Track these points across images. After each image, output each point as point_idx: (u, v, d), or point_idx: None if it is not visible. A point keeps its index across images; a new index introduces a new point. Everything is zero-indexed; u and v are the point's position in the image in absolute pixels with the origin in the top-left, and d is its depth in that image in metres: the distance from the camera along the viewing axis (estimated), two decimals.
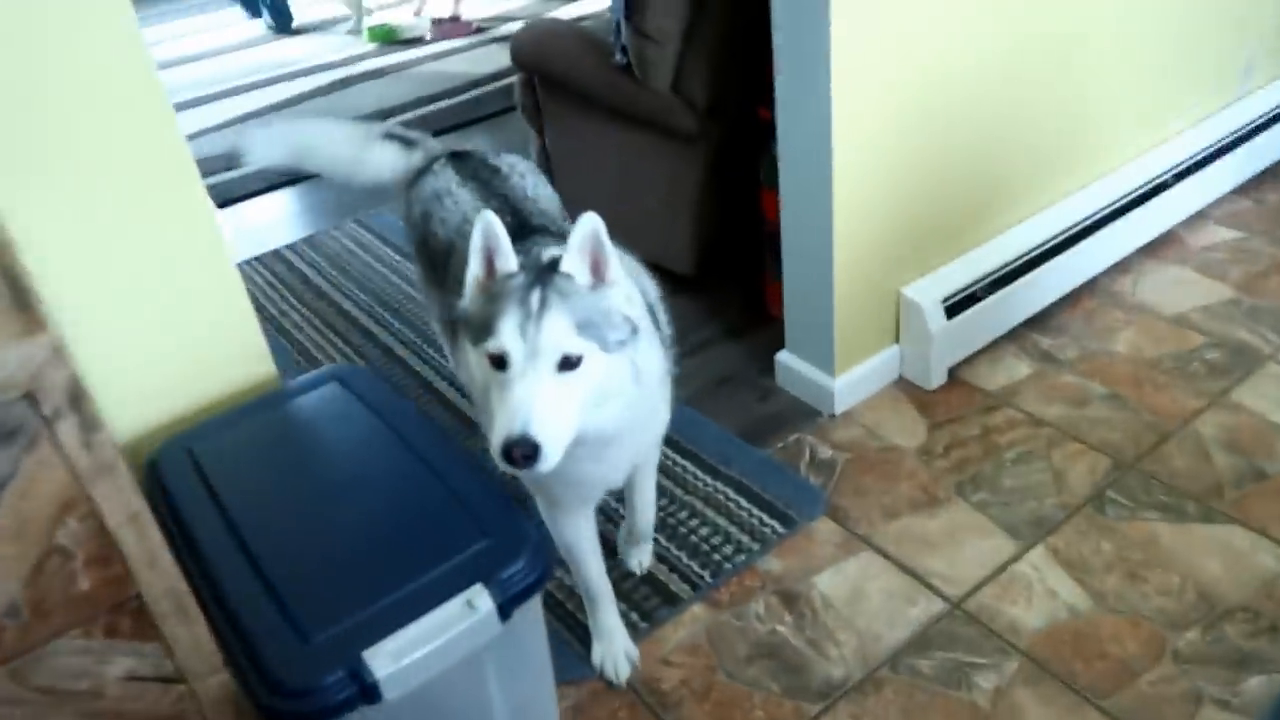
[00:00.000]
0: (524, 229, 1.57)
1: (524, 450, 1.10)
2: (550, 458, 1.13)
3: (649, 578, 1.89)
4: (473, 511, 1.13)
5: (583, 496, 1.54)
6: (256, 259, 3.24)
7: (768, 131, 2.29)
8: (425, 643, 0.98)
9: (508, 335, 1.15)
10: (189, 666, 0.92)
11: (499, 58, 4.74)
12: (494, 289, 1.22)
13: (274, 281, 3.08)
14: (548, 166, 2.95)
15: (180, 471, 1.23)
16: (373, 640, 0.97)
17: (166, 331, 1.37)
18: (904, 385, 2.32)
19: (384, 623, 0.99)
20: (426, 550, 1.08)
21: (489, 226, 1.22)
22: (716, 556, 1.91)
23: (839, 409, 2.25)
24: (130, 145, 1.30)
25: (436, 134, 4.04)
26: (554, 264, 1.22)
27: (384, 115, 4.22)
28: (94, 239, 1.30)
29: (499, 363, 1.17)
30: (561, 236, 1.45)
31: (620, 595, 1.82)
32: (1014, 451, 2.08)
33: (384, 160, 1.95)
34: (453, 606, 1.01)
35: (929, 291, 2.22)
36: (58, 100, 1.24)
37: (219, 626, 1.00)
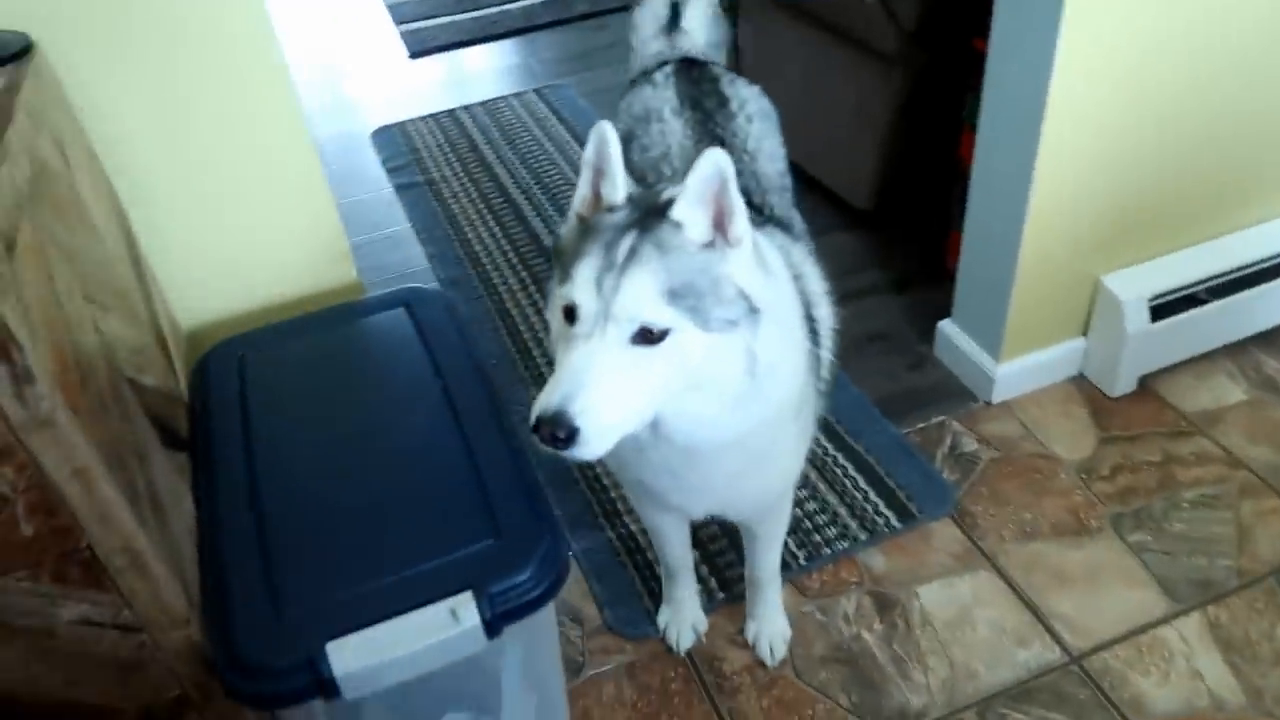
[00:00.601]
0: None
1: (556, 429, 0.89)
2: (591, 445, 0.92)
3: (736, 543, 1.73)
4: (489, 501, 1.00)
5: (659, 505, 1.34)
6: (433, 116, 3.18)
7: (980, 65, 1.96)
8: (395, 647, 0.87)
9: (581, 286, 0.93)
10: (149, 617, 0.87)
11: None
12: (591, 222, 0.99)
13: (443, 143, 3.02)
14: (738, 64, 2.69)
15: (224, 383, 1.17)
16: (343, 629, 0.88)
17: (244, 219, 1.30)
18: (1082, 385, 2.01)
19: (360, 611, 0.89)
20: (428, 536, 0.97)
21: (603, 139, 0.98)
22: (817, 538, 1.73)
23: (997, 397, 1.97)
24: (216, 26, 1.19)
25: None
26: (666, 206, 0.96)
27: None
28: (175, 113, 1.22)
29: (570, 314, 0.96)
30: (758, 209, 1.21)
31: (702, 556, 1.69)
32: (1195, 492, 1.76)
33: (645, 20, 1.71)
34: (434, 613, 0.89)
35: (1134, 285, 1.88)
36: None
37: (204, 571, 0.94)
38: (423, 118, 3.17)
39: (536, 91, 3.27)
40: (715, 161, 0.92)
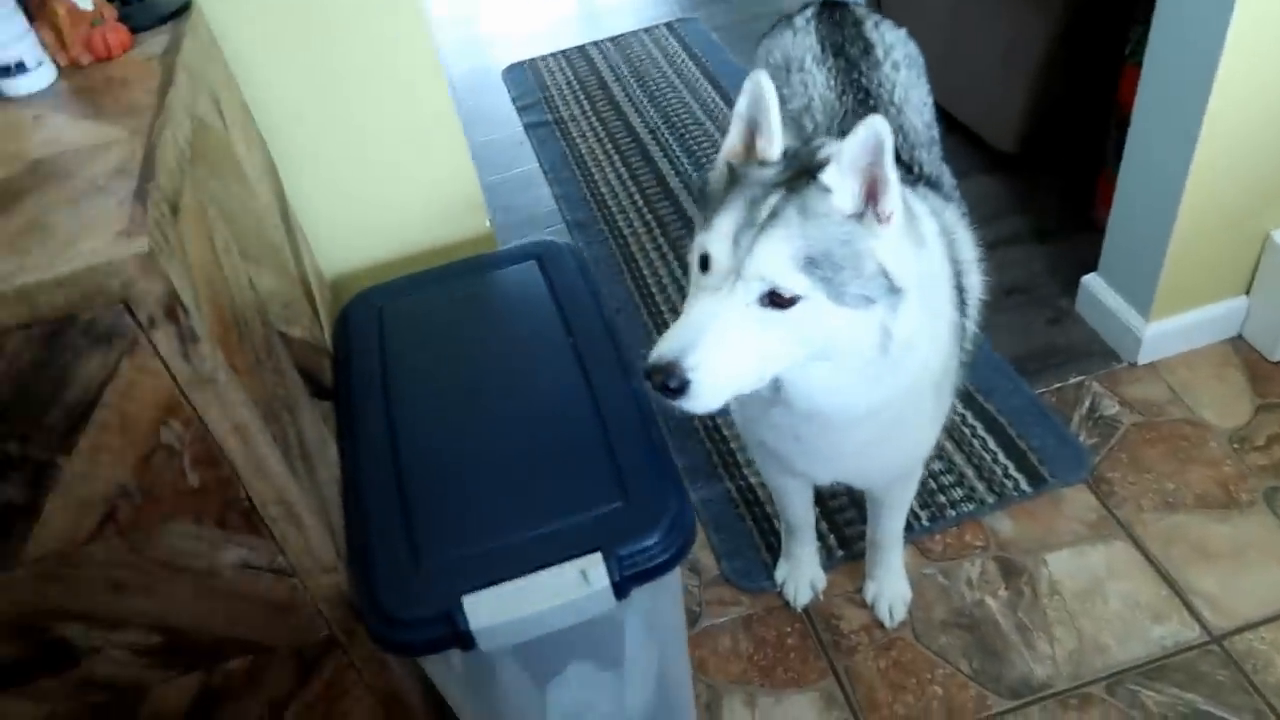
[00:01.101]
0: None
1: (668, 378, 0.88)
2: (701, 399, 0.90)
3: (857, 500, 1.72)
4: (617, 463, 1.01)
5: (781, 468, 1.33)
6: (563, 53, 3.16)
7: None
8: (529, 604, 0.91)
9: (718, 237, 0.92)
10: (300, 564, 0.93)
11: None
12: (739, 171, 0.97)
13: (572, 80, 3.01)
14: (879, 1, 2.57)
15: (364, 335, 1.21)
16: (480, 583, 0.91)
17: (384, 169, 1.33)
18: (1240, 347, 1.87)
19: (495, 566, 0.93)
20: (559, 496, 0.99)
21: (758, 91, 0.96)
22: (941, 498, 1.70)
23: (1143, 359, 1.86)
24: None
25: None
26: (819, 169, 0.92)
27: None
28: (320, 68, 1.25)
29: (704, 263, 0.94)
30: (906, 166, 1.15)
31: (823, 513, 1.68)
32: None
33: None
34: (565, 572, 0.92)
35: None
36: None
37: (349, 521, 1.00)
38: (553, 54, 3.16)
39: (667, 25, 3.21)
40: (875, 130, 0.87)
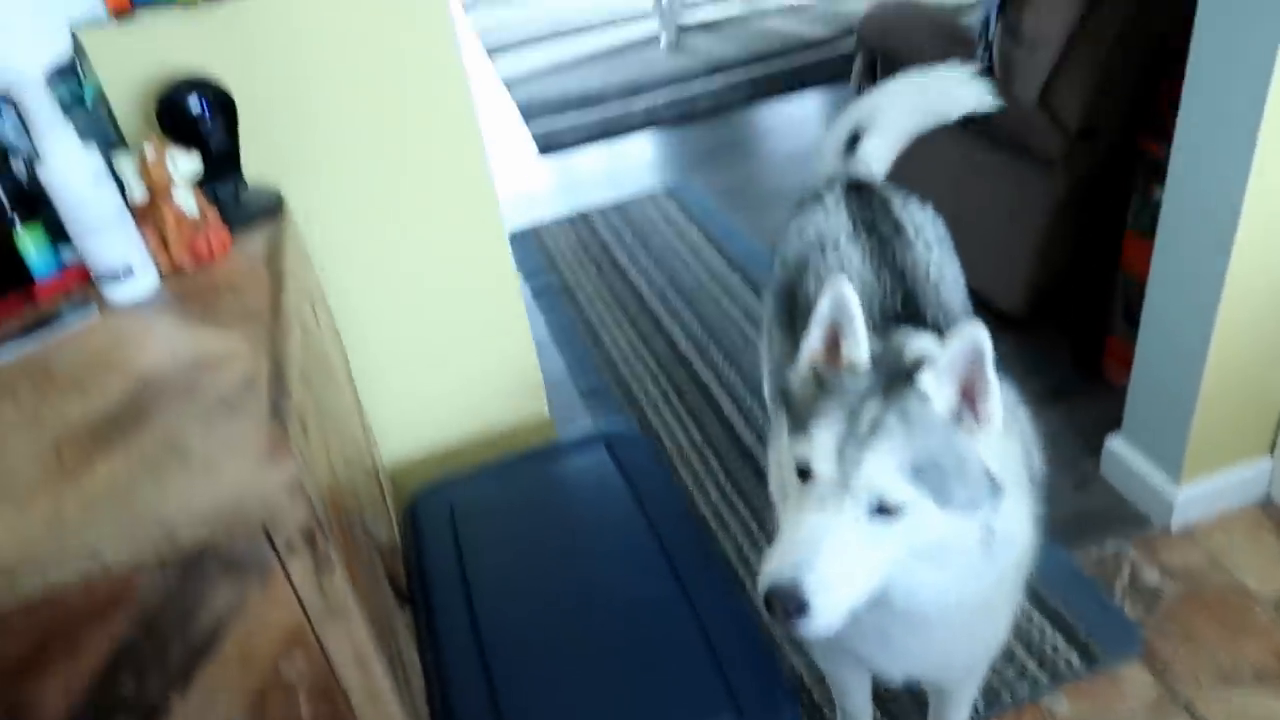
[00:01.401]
0: (912, 322, 1.26)
1: (789, 603, 0.87)
2: (823, 620, 0.89)
3: (916, 694, 1.66)
4: (721, 666, 0.97)
5: (851, 665, 1.30)
6: (566, 219, 3.24)
7: (1149, 167, 1.90)
8: None
9: (820, 449, 0.91)
10: None
11: (831, 20, 4.44)
12: (827, 377, 0.97)
13: (576, 247, 3.07)
14: None
15: (437, 534, 1.18)
16: None
17: (452, 359, 1.33)
18: (1272, 511, 1.89)
19: None
20: (663, 703, 0.94)
21: (840, 300, 0.97)
22: (994, 682, 1.64)
23: (1176, 523, 1.86)
24: (430, 150, 1.24)
25: (762, 98, 3.86)
26: (913, 369, 0.93)
27: (711, 70, 4.09)
28: (395, 257, 1.26)
29: (803, 472, 0.93)
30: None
31: (878, 702, 1.62)
32: None
33: (831, 142, 1.73)
34: None
35: None
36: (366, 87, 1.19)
37: None
38: (556, 221, 3.24)
39: (666, 191, 3.31)
40: (974, 339, 0.89)
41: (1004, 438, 0.97)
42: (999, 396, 0.91)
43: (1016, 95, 2.00)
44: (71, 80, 1.03)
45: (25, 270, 1.04)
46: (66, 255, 1.05)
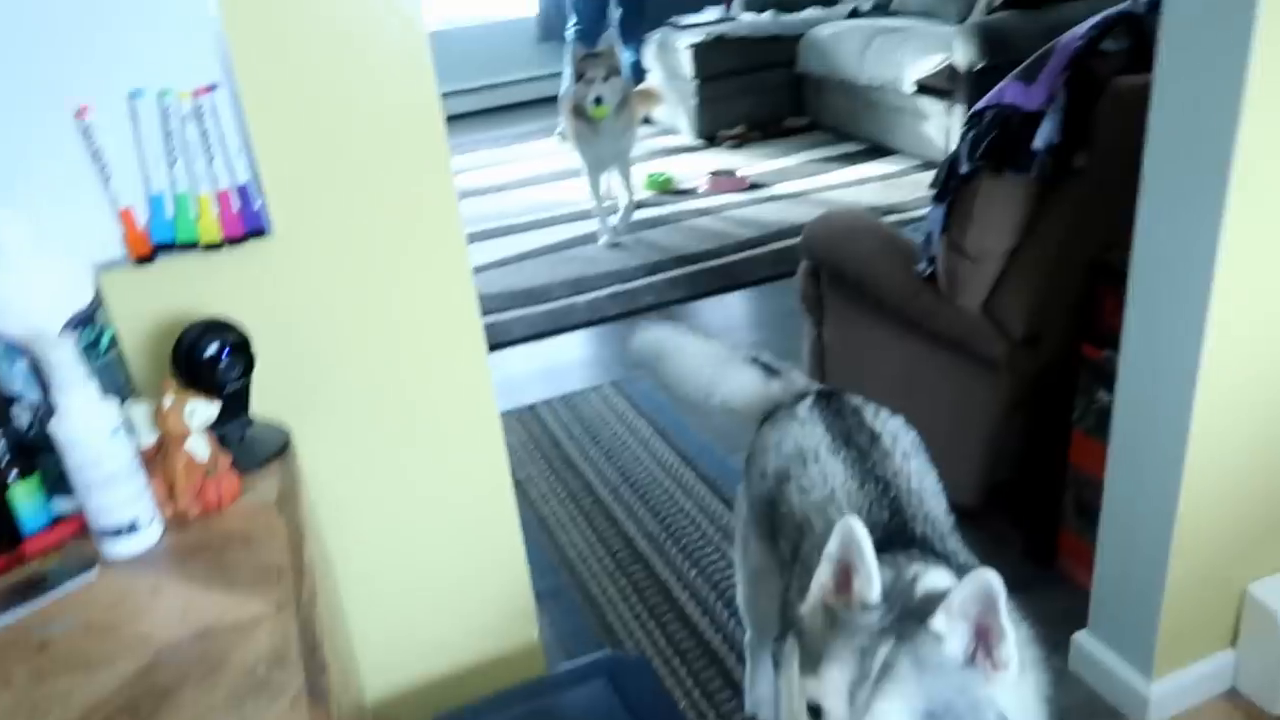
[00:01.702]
0: (900, 535, 1.29)
1: None
2: None
3: None
4: None
5: None
6: (514, 412, 3.23)
7: (1091, 370, 2.00)
8: None
9: (831, 691, 0.90)
10: None
11: (771, 217, 4.68)
12: (839, 614, 0.97)
13: (527, 441, 3.05)
14: (820, 361, 2.76)
15: None
16: None
17: (441, 583, 1.28)
18: (1238, 702, 1.88)
19: None
20: None
21: (851, 537, 0.97)
22: None
23: (1153, 718, 1.84)
24: (439, 388, 1.25)
25: (703, 296, 3.99)
26: (925, 607, 0.93)
27: (652, 269, 4.23)
28: (387, 478, 1.24)
29: (814, 709, 0.92)
30: (943, 558, 1.19)
31: None
32: None
33: (741, 384, 1.78)
34: None
35: None
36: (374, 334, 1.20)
37: None
38: (504, 413, 3.21)
39: (613, 384, 3.34)
40: (985, 582, 0.90)
41: (1019, 681, 0.96)
42: (1014, 641, 0.91)
43: (961, 303, 2.10)
44: (88, 327, 1.01)
45: (14, 526, 0.96)
46: (59, 505, 0.98)
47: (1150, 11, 1.80)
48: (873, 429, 1.53)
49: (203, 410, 0.99)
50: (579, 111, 4.43)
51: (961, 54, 4.70)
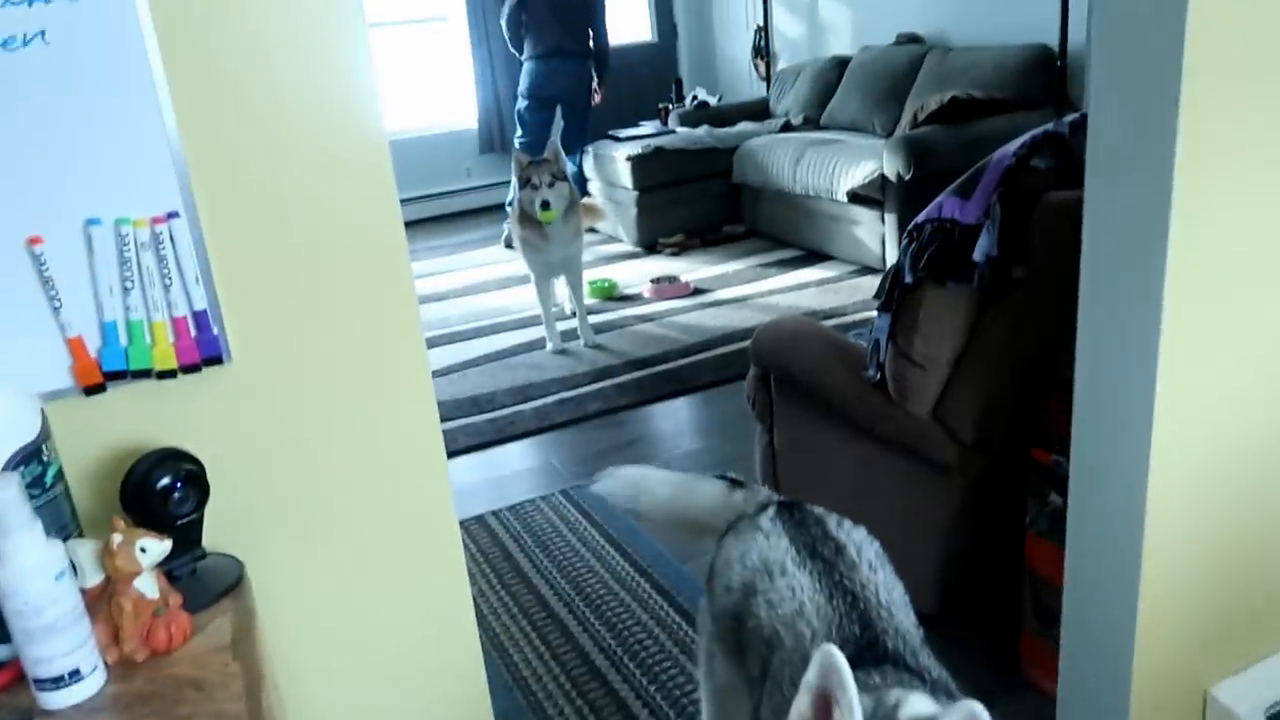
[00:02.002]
0: (872, 650, 1.28)
1: None
2: None
3: None
4: None
5: None
6: (462, 523, 3.15)
7: (1041, 474, 2.03)
8: None
9: None
10: None
11: (715, 322, 4.75)
12: None
13: (476, 553, 2.98)
14: (773, 467, 2.77)
15: None
16: None
17: (392, 682, 1.23)
18: None
19: None
20: None
21: (831, 667, 0.96)
22: None
23: None
24: (395, 507, 1.22)
25: (651, 401, 4.00)
26: None
27: (599, 375, 4.24)
28: (333, 606, 1.19)
29: None
30: (916, 674, 1.17)
31: None
32: None
33: (705, 497, 1.79)
34: None
35: (1247, 694, 1.81)
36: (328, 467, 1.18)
37: None
38: None
39: (563, 493, 3.30)
40: (970, 715, 0.89)
41: None
42: None
43: (911, 409, 2.13)
44: (34, 462, 0.97)
45: None
46: None
47: (1074, 132, 1.90)
48: (837, 540, 1.53)
49: (154, 548, 0.95)
50: (526, 218, 4.48)
51: (890, 165, 4.91)
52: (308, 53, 1.15)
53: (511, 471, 3.55)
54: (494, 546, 3.01)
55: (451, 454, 3.66)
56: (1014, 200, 1.87)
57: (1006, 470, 2.11)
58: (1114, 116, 1.52)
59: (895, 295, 2.05)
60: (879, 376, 2.23)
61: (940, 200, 1.97)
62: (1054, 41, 5.09)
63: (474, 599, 2.72)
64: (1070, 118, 1.94)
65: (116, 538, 0.94)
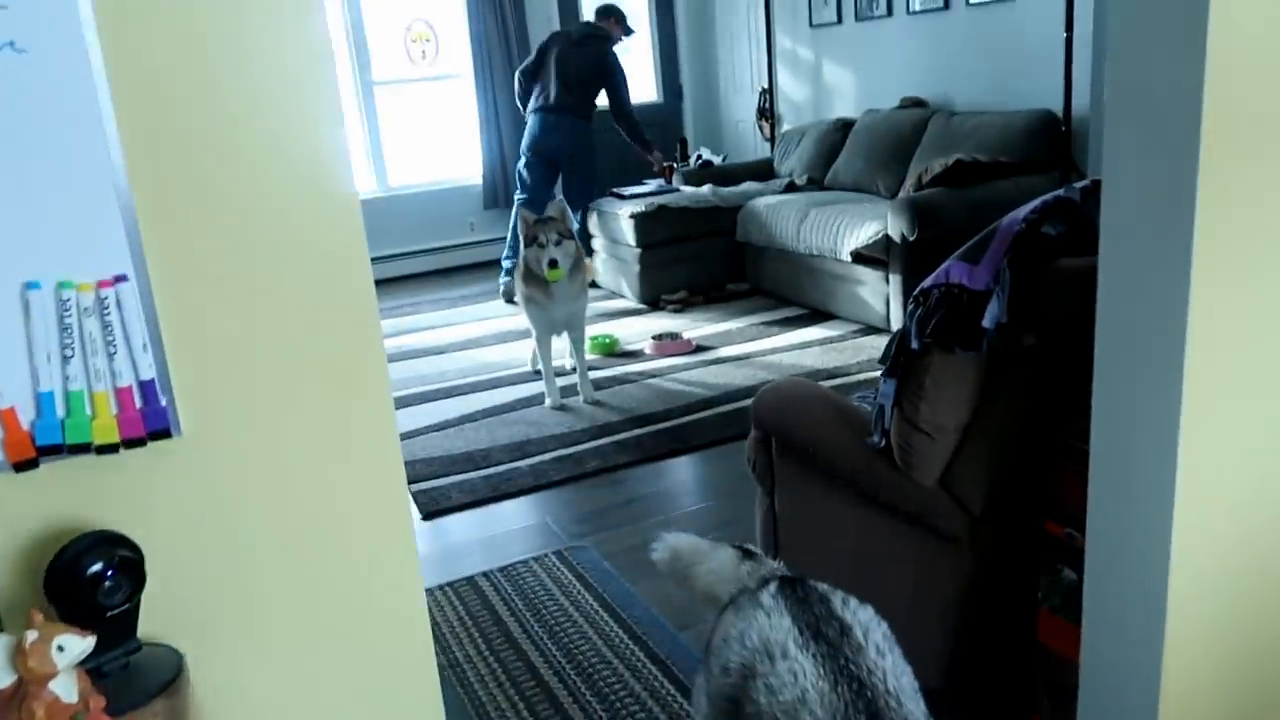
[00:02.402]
0: None
1: None
2: None
3: None
4: None
5: None
6: (451, 585, 3.07)
7: (1054, 547, 1.96)
8: None
9: None
10: None
11: (717, 379, 4.70)
12: None
13: (464, 616, 2.88)
14: (774, 532, 2.69)
15: None
16: None
17: None
18: None
19: None
20: None
21: None
22: None
23: None
24: (357, 590, 1.15)
25: (651, 460, 3.92)
26: None
27: (598, 433, 4.17)
28: (285, 699, 1.11)
29: None
30: None
31: None
32: None
33: (716, 563, 1.74)
34: None
35: None
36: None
37: None
38: (440, 586, 3.06)
39: (557, 554, 3.21)
40: None
41: None
42: None
43: (917, 477, 2.07)
44: None
45: None
46: None
47: (1085, 198, 1.86)
48: (843, 620, 1.45)
49: (74, 646, 0.87)
50: (531, 275, 4.44)
51: (895, 226, 4.89)
52: (272, 107, 1.09)
53: (505, 530, 3.46)
54: (483, 609, 2.92)
55: (444, 511, 3.59)
56: (1024, 266, 1.82)
57: (1017, 542, 2.03)
58: (1131, 183, 1.48)
59: (901, 361, 2.00)
60: (884, 443, 2.16)
61: (947, 265, 1.92)
62: (1057, 107, 5.12)
63: (460, 664, 2.63)
64: (1081, 183, 1.91)
65: (31, 634, 0.86)
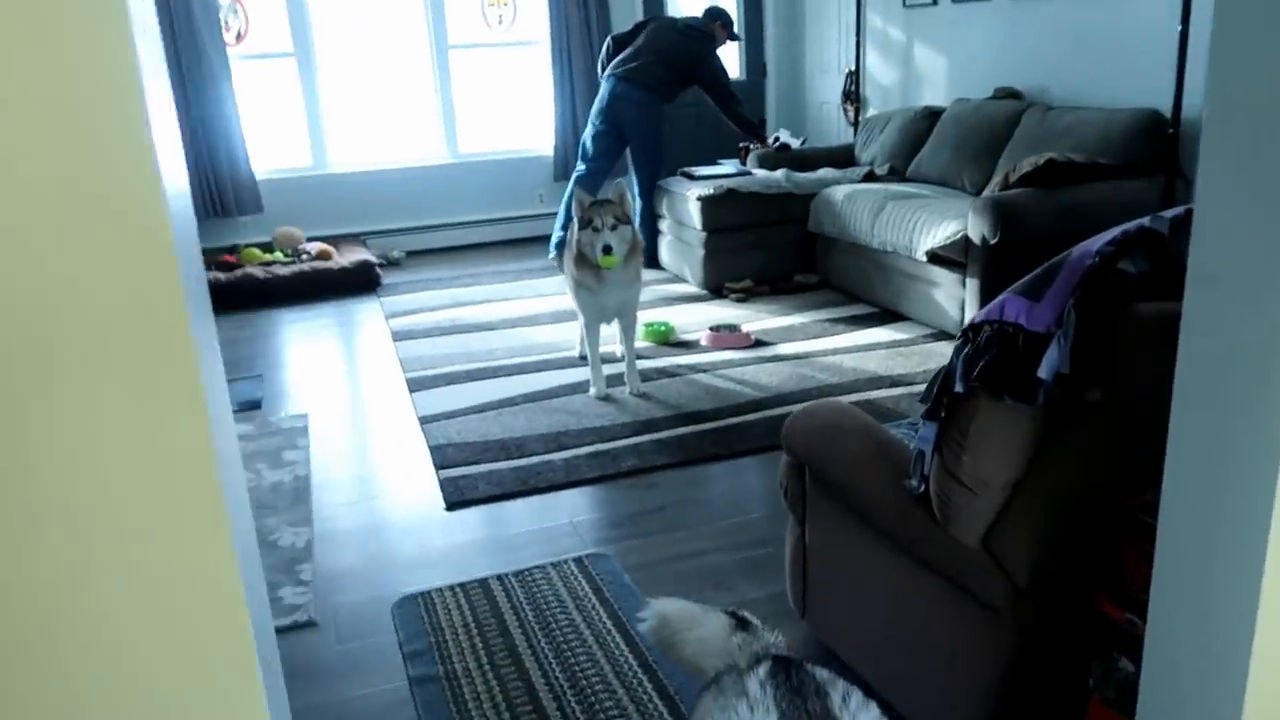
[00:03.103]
0: None
1: None
2: None
3: None
4: None
5: None
6: (462, 586, 2.93)
7: (1111, 632, 1.70)
8: None
9: None
10: None
11: (772, 379, 4.46)
12: None
13: (470, 623, 2.74)
14: (802, 564, 2.47)
15: None
16: None
17: None
18: None
19: None
20: None
21: None
22: None
23: None
24: None
25: (690, 463, 3.71)
26: None
27: (640, 429, 3.98)
28: None
29: None
30: None
31: None
32: None
33: (705, 633, 1.58)
34: None
35: None
36: None
37: None
38: (450, 586, 2.92)
39: (577, 561, 3.04)
40: None
41: None
42: None
43: (957, 534, 1.82)
44: None
45: None
46: None
47: (1174, 231, 1.59)
48: (828, 696, 1.24)
49: None
50: (583, 259, 4.25)
51: (976, 227, 4.56)
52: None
53: (525, 530, 3.30)
54: (491, 617, 2.77)
55: (469, 503, 3.45)
56: (1094, 308, 1.56)
57: (1067, 620, 1.78)
58: (1226, 217, 1.22)
59: (943, 403, 1.75)
60: (923, 488, 1.92)
61: (1003, 298, 1.66)
62: (1166, 107, 4.69)
63: (456, 677, 2.48)
64: (1172, 212, 1.62)
65: None
